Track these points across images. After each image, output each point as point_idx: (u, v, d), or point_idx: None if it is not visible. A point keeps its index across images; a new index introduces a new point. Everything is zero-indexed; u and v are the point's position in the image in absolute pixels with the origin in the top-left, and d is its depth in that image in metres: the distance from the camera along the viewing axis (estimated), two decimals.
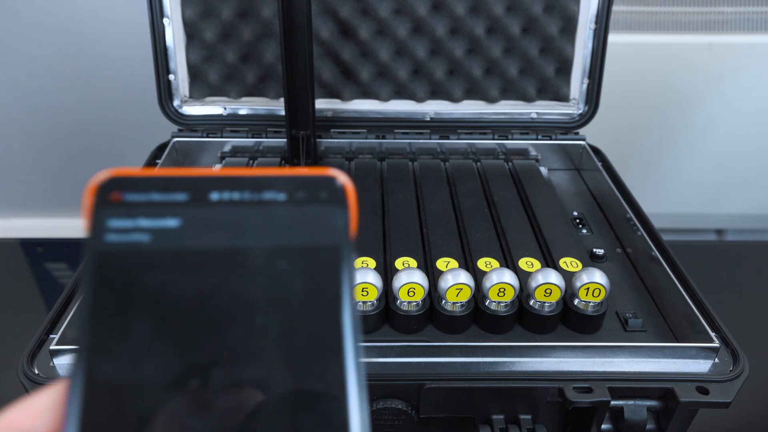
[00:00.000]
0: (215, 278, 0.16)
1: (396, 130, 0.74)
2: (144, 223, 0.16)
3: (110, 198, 0.17)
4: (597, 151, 0.72)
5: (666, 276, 0.51)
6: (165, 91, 0.70)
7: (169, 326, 0.16)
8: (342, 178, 0.18)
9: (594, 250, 0.56)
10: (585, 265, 0.51)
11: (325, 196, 0.17)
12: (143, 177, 0.17)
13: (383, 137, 0.74)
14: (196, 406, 0.15)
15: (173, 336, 0.16)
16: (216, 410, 0.15)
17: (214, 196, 0.17)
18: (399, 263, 0.51)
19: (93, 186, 0.17)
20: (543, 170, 0.70)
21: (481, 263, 0.51)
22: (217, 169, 0.18)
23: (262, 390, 0.15)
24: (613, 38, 0.74)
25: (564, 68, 0.73)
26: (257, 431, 0.15)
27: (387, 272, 0.51)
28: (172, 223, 0.17)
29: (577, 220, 0.62)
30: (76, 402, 0.14)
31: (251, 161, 0.71)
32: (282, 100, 0.64)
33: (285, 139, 0.65)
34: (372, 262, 0.51)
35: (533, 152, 0.73)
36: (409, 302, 0.46)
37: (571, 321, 0.47)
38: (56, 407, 0.15)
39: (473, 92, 0.74)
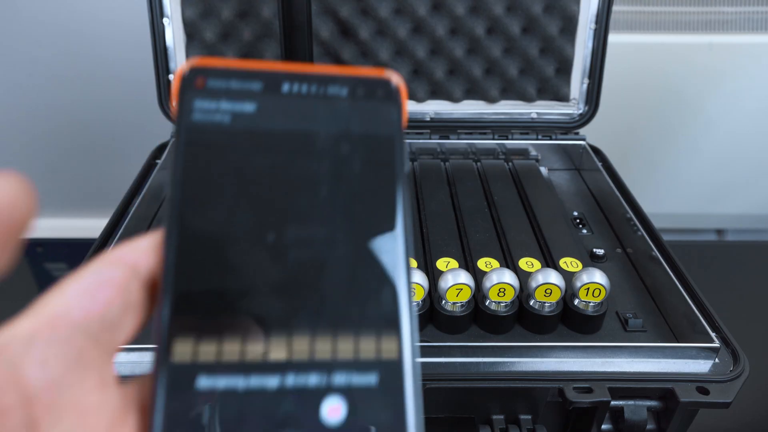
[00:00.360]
0: (284, 156, 0.19)
1: None
2: (224, 106, 0.19)
3: (195, 83, 0.19)
4: (597, 151, 0.72)
5: (666, 276, 0.51)
6: (165, 92, 0.70)
7: (245, 190, 0.18)
8: (396, 78, 0.20)
9: (594, 250, 0.56)
10: (585, 265, 0.51)
11: (381, 93, 0.20)
12: (225, 67, 0.19)
13: None
14: (270, 258, 0.18)
15: (249, 199, 0.18)
16: (287, 263, 0.18)
17: (285, 87, 0.20)
18: None
19: (180, 72, 0.19)
20: (543, 170, 0.70)
21: (481, 263, 0.51)
22: (288, 65, 0.20)
23: (325, 249, 0.18)
24: (613, 38, 0.74)
25: (564, 68, 0.73)
26: (320, 282, 0.18)
27: None
28: (248, 107, 0.19)
29: (578, 220, 0.62)
30: (171, 245, 0.17)
31: None
32: None
33: None
34: None
35: (533, 152, 0.73)
36: None
37: (571, 321, 0.47)
38: (156, 248, 0.18)
39: (473, 92, 0.74)
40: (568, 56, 0.72)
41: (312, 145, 0.19)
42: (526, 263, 0.52)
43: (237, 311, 0.17)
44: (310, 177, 0.19)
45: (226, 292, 0.17)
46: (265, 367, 0.17)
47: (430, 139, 0.74)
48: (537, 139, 0.73)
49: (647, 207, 0.61)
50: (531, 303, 0.47)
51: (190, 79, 0.19)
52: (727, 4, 0.91)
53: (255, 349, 0.17)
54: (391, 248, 0.18)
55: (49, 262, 0.80)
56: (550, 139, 0.74)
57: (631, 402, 0.43)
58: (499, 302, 0.46)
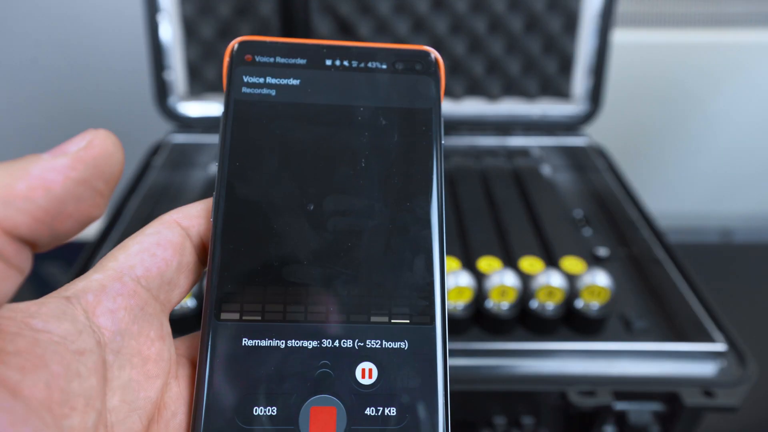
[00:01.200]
0: (328, 128, 0.20)
1: None
2: (271, 80, 0.21)
3: (245, 58, 0.21)
4: (600, 150, 0.72)
5: (671, 277, 0.50)
6: (160, 89, 0.69)
7: (290, 161, 0.20)
8: (435, 53, 0.22)
9: (597, 250, 0.56)
10: (588, 266, 0.50)
11: (420, 67, 0.21)
12: (270, 42, 0.21)
13: None
14: (311, 226, 0.19)
15: (293, 168, 0.20)
16: (327, 231, 0.19)
17: (328, 62, 0.21)
18: None
19: (230, 47, 0.21)
20: (545, 169, 0.69)
21: (483, 264, 0.51)
22: (330, 41, 0.21)
23: (364, 218, 0.19)
24: (616, 35, 0.73)
25: (567, 66, 0.72)
26: (359, 250, 0.19)
27: None
28: (293, 81, 0.21)
29: (580, 220, 0.61)
30: (219, 212, 0.19)
31: None
32: None
33: None
34: None
35: (535, 151, 0.72)
36: None
37: (574, 323, 0.46)
38: (207, 214, 0.19)
39: (475, 90, 0.73)
40: (571, 54, 0.71)
41: (353, 116, 0.20)
42: (528, 264, 0.51)
43: (280, 275, 0.18)
44: (351, 148, 0.20)
45: (270, 257, 0.18)
46: (304, 328, 0.18)
47: None
48: (540, 137, 0.73)
49: (652, 206, 0.60)
50: (533, 304, 0.46)
51: (239, 54, 0.21)
52: (734, 1, 0.90)
53: (296, 311, 0.18)
54: (427, 219, 0.19)
55: (48, 262, 0.79)
56: (553, 137, 0.73)
57: (635, 405, 0.42)
58: (501, 304, 0.45)
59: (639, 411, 0.43)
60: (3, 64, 0.91)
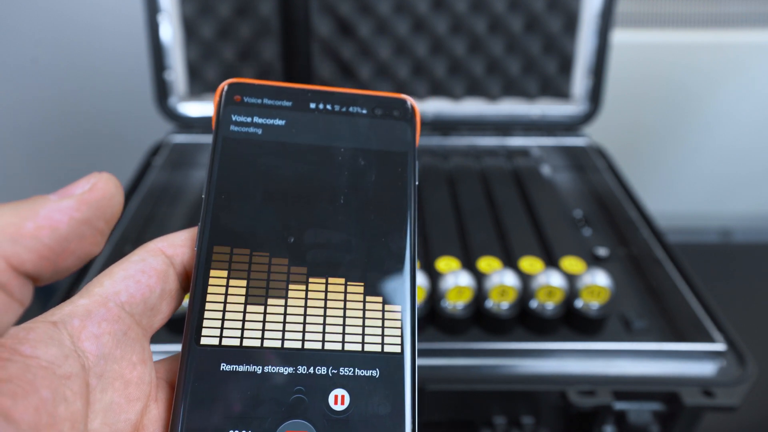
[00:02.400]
0: (309, 165, 0.21)
1: None
2: (257, 119, 0.22)
3: (234, 98, 0.22)
4: (600, 150, 0.72)
5: (671, 277, 0.50)
6: (161, 89, 0.69)
7: (272, 196, 0.21)
8: (411, 100, 0.23)
9: (597, 250, 0.56)
10: (588, 266, 0.50)
11: (397, 113, 0.23)
12: (258, 85, 0.22)
13: None
14: (290, 259, 0.20)
15: (275, 203, 0.21)
16: (306, 263, 0.20)
17: (312, 105, 0.22)
18: None
19: (220, 88, 0.22)
20: (545, 169, 0.69)
21: (482, 264, 0.51)
22: (315, 86, 0.23)
23: (340, 252, 0.20)
24: (616, 35, 0.73)
25: (566, 66, 0.72)
26: (333, 284, 0.20)
27: None
28: (278, 121, 0.22)
29: (580, 220, 0.61)
30: (203, 242, 0.20)
31: None
32: None
33: None
34: None
35: (535, 151, 0.72)
36: None
37: (573, 323, 0.46)
38: (191, 243, 0.20)
39: (474, 90, 0.73)
40: (571, 54, 0.71)
41: (334, 156, 0.22)
42: (527, 264, 0.51)
43: (259, 304, 0.19)
44: (331, 185, 0.21)
45: (249, 287, 0.19)
46: (281, 355, 0.19)
47: (430, 138, 0.73)
48: (539, 138, 0.73)
49: (652, 206, 0.60)
50: (533, 304, 0.46)
51: (229, 94, 0.22)
52: (734, 1, 0.90)
53: (273, 339, 0.19)
54: (400, 255, 0.21)
55: None
56: (553, 137, 0.73)
57: (634, 405, 0.42)
58: (501, 303, 0.45)
59: (639, 411, 0.43)
60: (3, 64, 0.91)
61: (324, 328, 0.19)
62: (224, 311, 0.19)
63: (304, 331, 0.19)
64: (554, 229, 0.56)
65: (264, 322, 0.19)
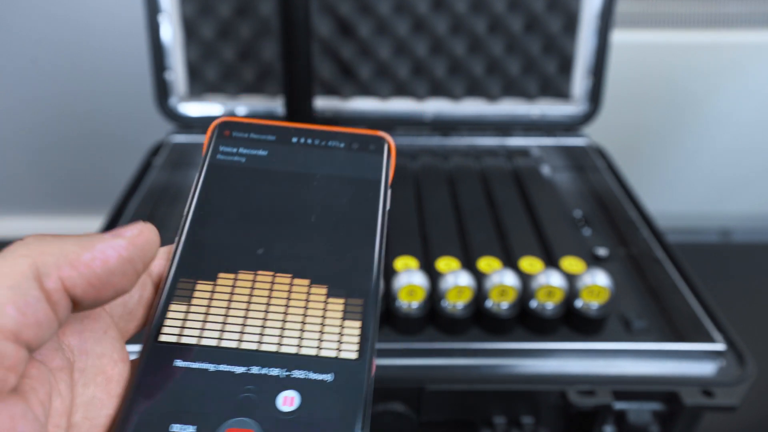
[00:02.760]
0: (288, 191, 0.23)
1: (396, 129, 0.74)
2: (243, 150, 0.24)
3: (224, 133, 0.25)
4: (600, 150, 0.72)
5: (671, 277, 0.50)
6: (161, 89, 0.69)
7: (250, 215, 0.23)
8: (389, 138, 0.25)
9: (597, 250, 0.56)
10: (588, 266, 0.50)
11: (374, 148, 0.25)
12: (247, 123, 0.25)
13: None
14: (255, 270, 0.21)
15: (252, 220, 0.23)
16: (267, 275, 0.21)
17: (294, 139, 0.25)
18: (399, 264, 0.50)
19: (213, 124, 0.25)
20: (545, 169, 0.69)
21: (482, 264, 0.51)
22: (297, 124, 0.25)
23: (306, 264, 0.22)
24: (616, 36, 0.73)
25: (566, 66, 0.72)
26: (295, 293, 0.21)
27: (387, 273, 0.50)
28: (261, 153, 0.24)
29: (580, 220, 0.61)
30: (178, 252, 0.21)
31: None
32: (281, 98, 0.63)
33: None
34: None
35: (535, 151, 0.72)
36: (410, 303, 0.45)
37: (573, 323, 0.47)
38: (168, 256, 0.22)
39: (474, 90, 0.73)
40: (571, 54, 0.71)
41: (309, 185, 0.24)
42: (527, 264, 0.51)
43: (221, 306, 0.20)
44: (304, 205, 0.23)
45: (214, 291, 0.21)
46: (234, 354, 0.20)
47: (430, 138, 0.73)
48: (539, 137, 0.73)
49: (651, 206, 0.60)
50: (533, 304, 0.46)
51: (219, 130, 0.25)
52: (734, 2, 0.90)
53: (229, 339, 0.20)
54: (367, 270, 0.22)
55: None
56: (553, 138, 0.73)
57: (634, 405, 0.43)
58: (501, 303, 0.45)
59: (638, 410, 0.43)
60: (3, 65, 0.91)
61: (282, 332, 0.20)
62: (187, 312, 0.20)
63: (261, 333, 0.20)
64: (554, 229, 0.56)
65: (224, 323, 0.20)
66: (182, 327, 0.20)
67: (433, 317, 0.46)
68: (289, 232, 0.22)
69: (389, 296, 0.46)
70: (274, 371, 0.19)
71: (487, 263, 0.51)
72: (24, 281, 0.15)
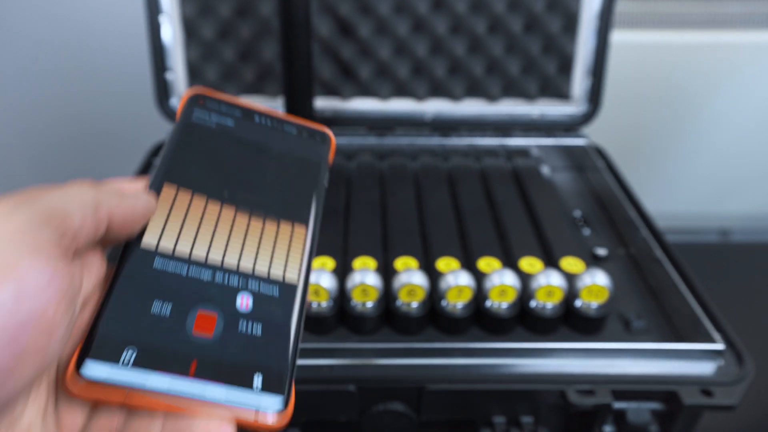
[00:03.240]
0: (248, 154, 0.30)
1: (396, 129, 0.74)
2: (213, 118, 0.30)
3: (198, 101, 0.30)
4: (599, 150, 0.72)
5: (670, 277, 0.51)
6: (162, 89, 0.69)
7: (218, 165, 0.28)
8: (330, 133, 0.33)
9: (596, 250, 0.56)
10: (587, 266, 0.50)
11: (319, 139, 0.32)
12: (218, 98, 0.31)
13: (383, 136, 0.73)
14: (222, 199, 0.27)
15: (216, 168, 0.28)
16: (231, 215, 0.27)
17: (256, 119, 0.31)
18: (399, 264, 0.50)
19: (190, 92, 0.30)
20: (545, 170, 0.69)
21: (482, 264, 0.51)
22: (263, 106, 0.32)
23: (261, 211, 0.28)
24: (615, 36, 0.74)
25: (566, 66, 0.72)
26: (251, 229, 0.27)
27: (387, 273, 0.50)
28: (229, 123, 0.30)
29: (580, 220, 0.61)
30: (157, 179, 0.27)
31: None
32: (281, 98, 0.63)
33: None
34: (372, 263, 0.50)
35: (535, 151, 0.72)
36: (410, 303, 0.45)
37: (573, 322, 0.47)
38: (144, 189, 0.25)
39: (474, 91, 0.74)
40: (570, 54, 0.71)
41: (263, 153, 0.30)
42: (527, 264, 0.51)
43: (193, 226, 0.26)
44: (260, 168, 0.30)
45: (188, 215, 0.26)
46: (205, 263, 0.25)
47: (430, 138, 0.73)
48: (539, 138, 0.73)
49: (650, 206, 0.60)
50: (532, 304, 0.46)
51: (194, 98, 0.30)
52: (733, 2, 0.90)
53: (200, 252, 0.25)
54: (304, 221, 0.29)
55: None
56: (552, 138, 0.74)
57: (634, 404, 0.43)
58: (501, 303, 0.46)
59: (638, 410, 0.43)
60: (4, 65, 0.91)
61: (241, 253, 0.26)
62: (164, 226, 0.25)
63: (225, 251, 0.26)
64: (554, 229, 0.56)
65: (194, 239, 0.26)
66: (160, 238, 0.25)
67: (433, 317, 0.46)
68: (249, 182, 0.29)
69: (389, 296, 0.46)
70: (234, 281, 0.25)
71: (486, 263, 0.51)
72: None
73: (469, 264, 0.51)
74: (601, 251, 0.56)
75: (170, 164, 0.27)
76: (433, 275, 0.49)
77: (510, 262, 0.52)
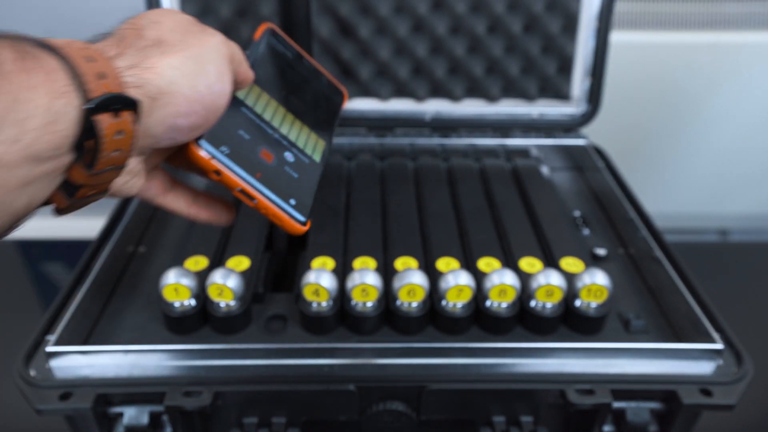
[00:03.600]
0: (295, 79, 0.47)
1: (396, 130, 0.74)
2: (279, 47, 0.47)
3: (273, 33, 0.47)
4: (599, 151, 0.72)
5: (669, 276, 0.51)
6: None
7: (277, 76, 0.45)
8: (345, 91, 0.53)
9: (596, 250, 0.56)
10: (587, 266, 0.50)
11: (338, 91, 0.52)
12: (284, 36, 0.48)
13: (383, 136, 0.73)
14: (279, 107, 0.43)
15: (278, 79, 0.45)
16: (280, 116, 0.43)
17: (304, 60, 0.49)
18: (399, 264, 0.50)
19: (265, 24, 0.47)
20: (544, 170, 0.69)
21: (482, 264, 0.51)
22: (307, 55, 0.50)
23: (301, 118, 0.45)
24: (615, 36, 0.74)
25: (565, 67, 0.72)
26: (294, 124, 0.44)
27: (387, 273, 0.50)
28: (288, 54, 0.48)
29: (579, 220, 0.62)
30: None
31: None
32: None
33: None
34: (372, 263, 0.50)
35: (534, 152, 0.73)
36: (410, 303, 0.45)
37: (572, 322, 0.47)
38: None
39: (474, 91, 0.74)
40: (570, 55, 0.72)
41: (306, 81, 0.49)
42: (527, 264, 0.51)
43: (265, 106, 0.42)
44: (301, 90, 0.47)
45: (260, 99, 0.42)
46: (268, 124, 0.41)
47: (430, 138, 0.73)
48: (538, 138, 0.73)
49: (650, 207, 0.61)
50: (532, 304, 0.46)
51: (271, 30, 0.47)
52: (732, 2, 0.90)
53: (267, 117, 0.42)
54: (328, 126, 0.48)
55: (46, 262, 0.80)
56: (552, 138, 0.74)
57: (633, 404, 0.43)
58: (500, 303, 0.46)
59: (637, 409, 0.43)
60: None
61: (289, 131, 0.43)
62: (248, 93, 0.41)
63: (281, 125, 0.42)
64: (553, 229, 0.56)
65: (264, 109, 0.42)
66: (246, 97, 0.40)
67: (433, 317, 0.46)
68: (296, 97, 0.46)
69: (389, 296, 0.46)
70: (285, 143, 0.41)
71: (486, 263, 0.51)
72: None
73: (468, 264, 0.52)
74: (601, 251, 0.56)
75: (253, 65, 0.40)
76: (433, 275, 0.49)
77: (510, 262, 0.52)
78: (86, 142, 0.26)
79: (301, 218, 0.38)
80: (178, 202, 0.38)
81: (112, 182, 0.30)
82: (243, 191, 0.36)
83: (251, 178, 0.36)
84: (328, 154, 0.43)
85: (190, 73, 0.30)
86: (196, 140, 0.34)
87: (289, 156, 0.40)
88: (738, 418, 0.54)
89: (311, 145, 0.43)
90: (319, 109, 0.47)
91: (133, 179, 0.33)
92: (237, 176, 0.35)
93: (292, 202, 0.38)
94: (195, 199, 0.39)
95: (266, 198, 0.36)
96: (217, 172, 0.35)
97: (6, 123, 0.22)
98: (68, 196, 0.28)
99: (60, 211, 0.29)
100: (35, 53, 0.24)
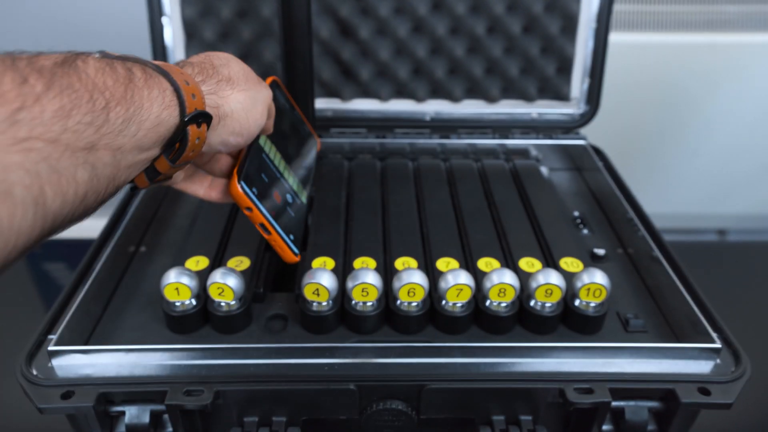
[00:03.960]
0: (288, 127, 0.56)
1: (396, 130, 0.74)
2: (281, 99, 0.55)
3: (277, 85, 0.56)
4: (598, 151, 0.72)
5: (667, 276, 0.51)
6: None
7: (278, 125, 0.52)
8: (318, 139, 0.64)
9: (595, 250, 0.56)
10: (586, 266, 0.50)
11: (313, 138, 0.63)
12: (283, 88, 0.58)
13: (383, 137, 0.73)
14: (279, 155, 0.52)
15: (279, 128, 0.53)
16: (285, 151, 0.53)
17: (295, 111, 0.60)
18: (399, 263, 0.51)
19: (271, 78, 0.54)
20: (544, 170, 0.69)
21: (482, 263, 0.51)
22: (295, 105, 0.61)
23: (292, 166, 0.54)
24: (614, 37, 0.74)
25: (565, 68, 0.72)
26: (293, 158, 0.55)
27: (387, 273, 0.50)
28: (287, 105, 0.57)
29: (578, 221, 0.62)
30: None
31: None
32: None
33: None
34: (372, 263, 0.50)
35: (534, 152, 0.73)
36: (410, 303, 0.46)
37: (571, 321, 0.47)
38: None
39: (474, 92, 0.74)
40: (569, 56, 0.72)
41: (295, 130, 0.58)
42: (526, 263, 0.51)
43: (275, 153, 0.51)
44: (291, 139, 0.56)
45: (271, 148, 0.51)
46: (276, 169, 0.50)
47: (430, 138, 0.73)
48: (538, 139, 0.73)
49: (648, 207, 0.61)
50: (531, 303, 0.46)
51: (275, 82, 0.54)
52: (729, 4, 0.90)
53: (276, 163, 0.51)
54: (308, 171, 0.58)
55: (48, 262, 0.80)
56: (551, 138, 0.74)
57: (632, 403, 0.43)
58: (500, 303, 0.46)
59: (636, 408, 0.43)
60: None
61: (291, 177, 0.52)
62: (266, 141, 0.50)
63: (287, 171, 0.52)
64: (553, 229, 0.56)
65: (275, 155, 0.51)
66: (264, 144, 0.49)
67: (433, 316, 0.47)
68: (288, 145, 0.54)
69: (389, 296, 0.47)
70: (287, 186, 0.50)
71: (486, 263, 0.51)
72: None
73: (468, 264, 0.52)
74: (600, 251, 0.56)
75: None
76: (433, 275, 0.49)
77: (509, 261, 0.52)
78: (176, 143, 0.35)
79: (296, 251, 0.47)
80: (195, 186, 0.46)
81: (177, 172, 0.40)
82: (263, 225, 0.44)
83: (270, 216, 0.44)
84: (310, 196, 0.54)
85: (247, 107, 0.41)
86: (237, 180, 0.42)
87: (289, 198, 0.49)
88: (736, 416, 0.54)
89: (299, 188, 0.52)
90: (302, 157, 0.56)
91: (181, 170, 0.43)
92: (262, 213, 0.44)
93: (291, 237, 0.46)
94: (211, 183, 0.47)
95: (278, 233, 0.45)
96: (249, 209, 0.43)
97: (132, 122, 0.30)
98: (149, 180, 0.36)
99: (135, 189, 0.38)
100: (154, 74, 0.33)
